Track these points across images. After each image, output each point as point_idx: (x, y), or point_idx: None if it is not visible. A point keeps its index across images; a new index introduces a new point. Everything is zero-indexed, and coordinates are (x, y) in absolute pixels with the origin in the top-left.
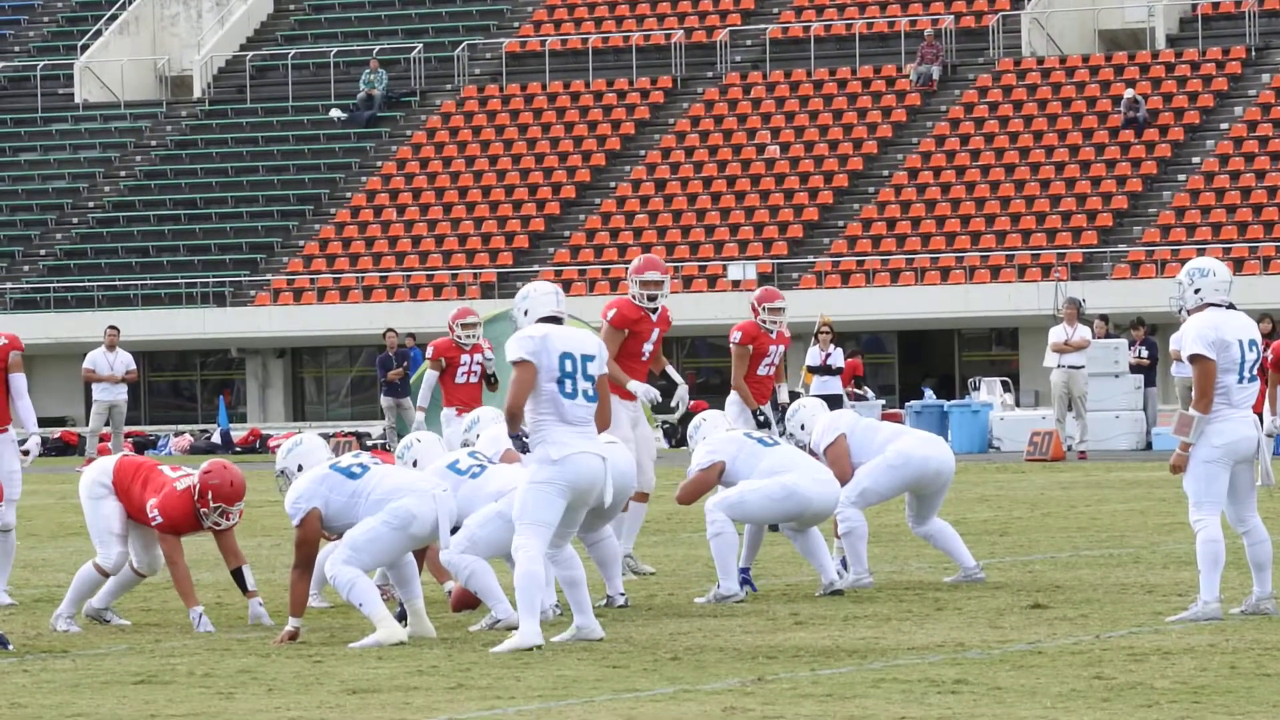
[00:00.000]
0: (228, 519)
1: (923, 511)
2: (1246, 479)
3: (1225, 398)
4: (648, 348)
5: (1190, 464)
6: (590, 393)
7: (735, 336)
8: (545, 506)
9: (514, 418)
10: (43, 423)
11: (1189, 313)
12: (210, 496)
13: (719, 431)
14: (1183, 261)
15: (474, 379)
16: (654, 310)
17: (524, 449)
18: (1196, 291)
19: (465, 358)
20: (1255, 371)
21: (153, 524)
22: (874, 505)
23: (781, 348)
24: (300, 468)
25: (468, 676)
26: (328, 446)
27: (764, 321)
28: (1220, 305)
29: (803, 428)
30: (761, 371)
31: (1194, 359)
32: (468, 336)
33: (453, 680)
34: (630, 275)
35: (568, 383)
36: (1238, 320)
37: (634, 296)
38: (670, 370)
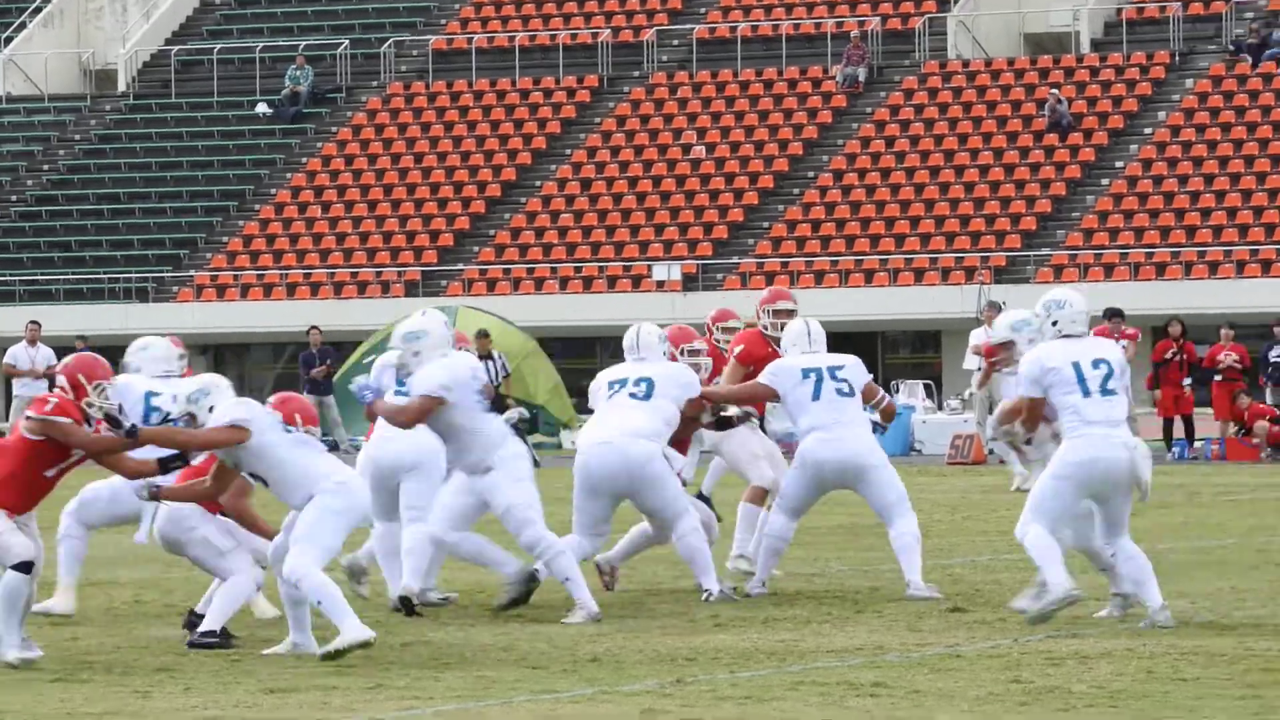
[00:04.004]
0: (106, 397)
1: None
2: (1122, 508)
3: (1078, 415)
4: None
5: (1042, 475)
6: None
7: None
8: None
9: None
10: None
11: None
12: (83, 378)
13: None
14: (1105, 266)
15: None
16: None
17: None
18: (1054, 324)
19: None
20: (1112, 385)
21: (50, 422)
22: (801, 509)
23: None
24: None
25: (386, 676)
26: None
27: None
28: (1076, 336)
29: None
30: None
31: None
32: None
33: (371, 680)
34: (759, 306)
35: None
36: (1078, 345)
37: (765, 327)
38: None
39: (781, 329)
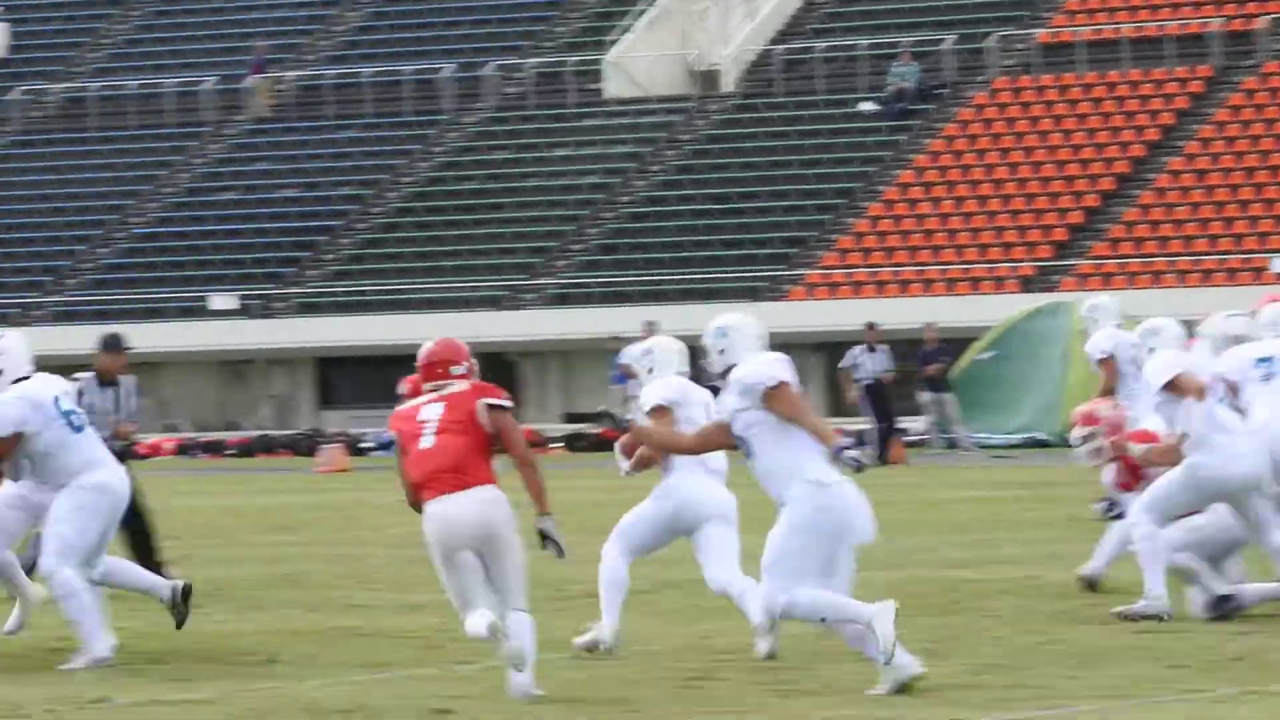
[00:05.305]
0: None
1: None
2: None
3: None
4: None
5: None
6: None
7: None
8: None
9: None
10: (581, 419)
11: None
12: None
13: None
14: None
15: None
16: None
17: None
18: (721, 353)
19: None
20: None
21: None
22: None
23: None
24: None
25: (1023, 675)
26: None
27: None
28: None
29: None
30: None
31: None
32: None
33: (1010, 679)
34: None
35: None
36: None
37: None
38: None
39: None
